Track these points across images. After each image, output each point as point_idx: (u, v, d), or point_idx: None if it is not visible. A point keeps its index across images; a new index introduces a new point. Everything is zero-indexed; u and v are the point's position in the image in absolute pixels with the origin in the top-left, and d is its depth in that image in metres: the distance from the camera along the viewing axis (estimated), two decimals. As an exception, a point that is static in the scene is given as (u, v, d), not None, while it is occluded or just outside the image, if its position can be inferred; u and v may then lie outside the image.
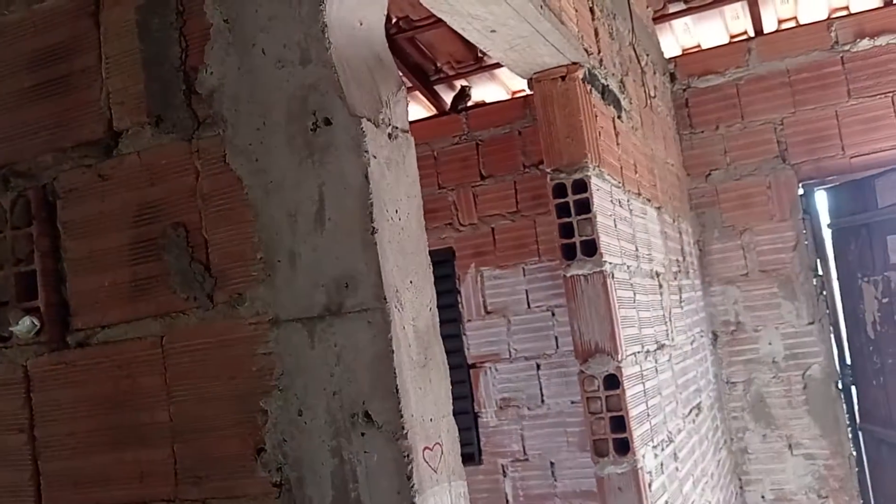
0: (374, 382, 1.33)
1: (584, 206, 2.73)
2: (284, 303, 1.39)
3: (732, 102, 5.08)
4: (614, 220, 2.94)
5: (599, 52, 3.17)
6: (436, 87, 5.47)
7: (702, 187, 5.14)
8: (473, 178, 5.37)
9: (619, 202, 3.07)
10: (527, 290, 5.19)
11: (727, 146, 5.09)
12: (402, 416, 1.32)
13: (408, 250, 1.43)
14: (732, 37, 5.27)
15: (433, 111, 5.64)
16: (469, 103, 5.50)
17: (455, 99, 5.49)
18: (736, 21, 5.17)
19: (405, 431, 1.32)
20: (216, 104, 1.45)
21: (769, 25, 5.14)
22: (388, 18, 4.96)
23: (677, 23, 5.10)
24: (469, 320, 5.34)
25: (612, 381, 2.70)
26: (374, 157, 1.37)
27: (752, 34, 5.16)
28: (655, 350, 3.24)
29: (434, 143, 5.50)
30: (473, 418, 5.38)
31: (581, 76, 2.83)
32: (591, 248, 2.72)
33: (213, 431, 1.44)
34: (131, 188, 1.52)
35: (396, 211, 1.42)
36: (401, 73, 5.42)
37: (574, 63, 2.80)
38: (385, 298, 1.33)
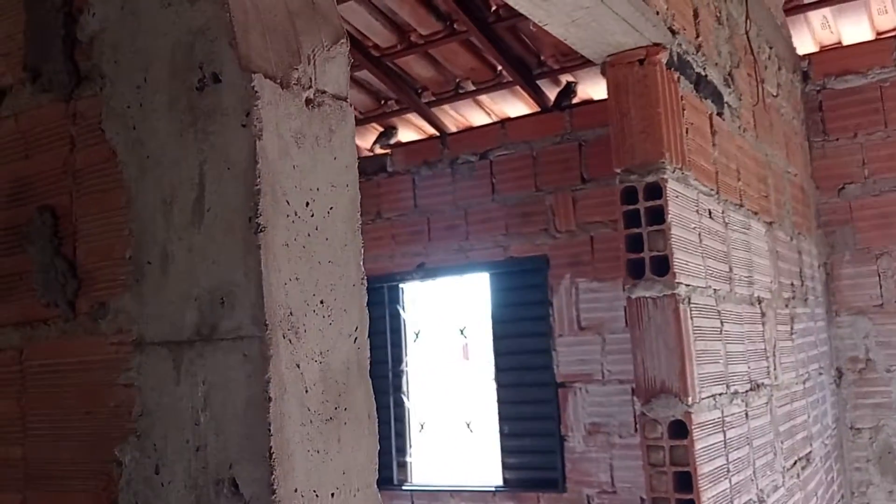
0: (245, 439, 0.95)
1: (658, 215, 2.24)
2: (151, 319, 1.03)
3: (875, 107, 4.37)
4: (699, 234, 2.43)
5: (698, 35, 2.66)
6: (538, 83, 5.02)
7: (833, 202, 4.45)
8: (574, 180, 4.90)
9: (710, 213, 2.55)
10: (625, 308, 4.64)
11: (866, 157, 4.38)
12: (274, 491, 0.92)
13: (320, 258, 1.03)
14: (879, 34, 4.54)
15: (535, 108, 5.19)
16: (573, 101, 5.02)
17: (559, 95, 5.03)
18: (883, 16, 4.45)
19: (277, 514, 0.93)
20: (96, 54, 1.11)
21: (925, 19, 4.39)
22: (487, 5, 4.57)
23: (814, 15, 4.44)
24: (560, 335, 4.88)
25: (680, 429, 2.19)
26: (273, 128, 0.99)
27: (903, 29, 4.43)
28: (748, 391, 2.69)
29: (534, 143, 5.08)
30: (559, 441, 4.92)
31: (664, 60, 2.34)
32: (662, 265, 2.23)
33: (66, 480, 1.09)
34: (7, 160, 1.20)
35: (307, 204, 1.02)
36: (500, 67, 5.02)
37: (656, 44, 2.31)
38: (266, 323, 0.94)
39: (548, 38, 4.74)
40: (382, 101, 5.44)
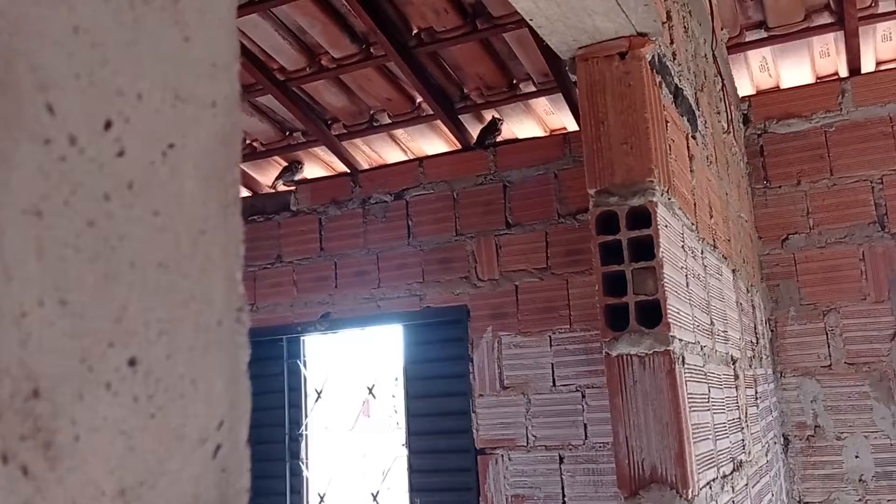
0: None
1: (646, 249, 1.71)
2: None
3: (819, 153, 4.05)
4: (686, 277, 1.91)
5: (672, 41, 2.19)
6: (460, 117, 4.53)
7: (776, 254, 4.08)
8: (498, 225, 4.42)
9: (693, 252, 2.05)
10: (553, 364, 4.19)
11: (811, 206, 4.04)
12: None
13: (134, 255, 0.42)
14: (819, 78, 4.26)
15: (456, 145, 4.69)
16: (498, 138, 4.54)
17: (483, 132, 4.55)
18: (825, 59, 4.17)
19: None
20: None
21: (867, 65, 4.13)
22: (408, 28, 4.06)
23: (753, 55, 4.12)
24: (481, 395, 4.33)
25: (677, 532, 1.63)
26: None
27: (844, 74, 4.15)
28: (732, 472, 2.16)
29: (454, 183, 4.57)
30: (478, 516, 4.30)
31: (650, 57, 1.84)
32: (652, 314, 1.69)
33: None
34: None
35: (108, 125, 0.42)
36: (419, 98, 4.51)
37: (641, 34, 1.81)
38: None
39: (472, 69, 4.27)
40: (287, 133, 4.84)
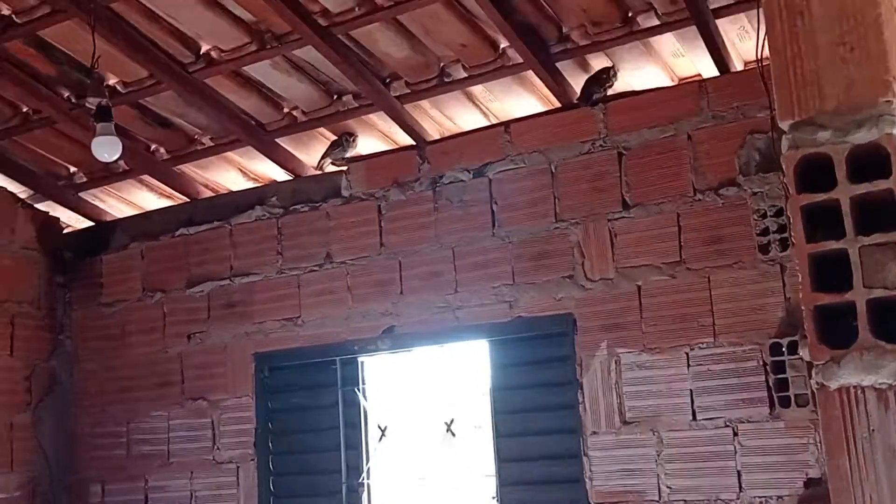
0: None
1: (879, 215, 1.24)
2: None
3: None
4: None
5: None
6: (558, 65, 4.13)
7: None
8: (612, 206, 4.14)
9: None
10: (692, 391, 3.90)
11: None
12: None
13: None
14: None
15: (553, 103, 4.32)
16: (610, 91, 4.13)
17: (588, 83, 4.16)
18: None
19: None
20: None
21: None
22: (487, -51, 3.67)
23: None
24: (594, 433, 4.07)
25: None
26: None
27: None
28: None
29: (552, 153, 4.28)
30: (597, 593, 3.96)
31: None
32: (889, 321, 1.23)
33: None
34: None
35: None
36: (503, 43, 4.12)
37: None
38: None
39: (573, 0, 3.85)
40: (335, 96, 4.54)
